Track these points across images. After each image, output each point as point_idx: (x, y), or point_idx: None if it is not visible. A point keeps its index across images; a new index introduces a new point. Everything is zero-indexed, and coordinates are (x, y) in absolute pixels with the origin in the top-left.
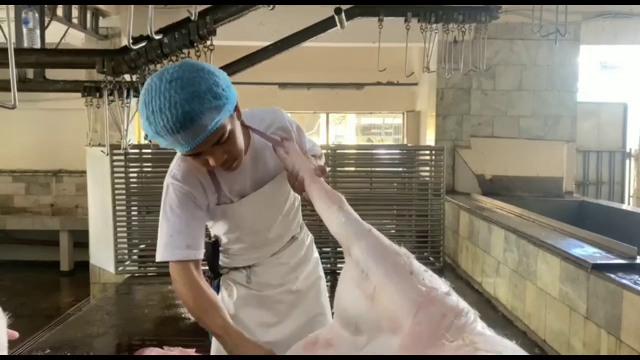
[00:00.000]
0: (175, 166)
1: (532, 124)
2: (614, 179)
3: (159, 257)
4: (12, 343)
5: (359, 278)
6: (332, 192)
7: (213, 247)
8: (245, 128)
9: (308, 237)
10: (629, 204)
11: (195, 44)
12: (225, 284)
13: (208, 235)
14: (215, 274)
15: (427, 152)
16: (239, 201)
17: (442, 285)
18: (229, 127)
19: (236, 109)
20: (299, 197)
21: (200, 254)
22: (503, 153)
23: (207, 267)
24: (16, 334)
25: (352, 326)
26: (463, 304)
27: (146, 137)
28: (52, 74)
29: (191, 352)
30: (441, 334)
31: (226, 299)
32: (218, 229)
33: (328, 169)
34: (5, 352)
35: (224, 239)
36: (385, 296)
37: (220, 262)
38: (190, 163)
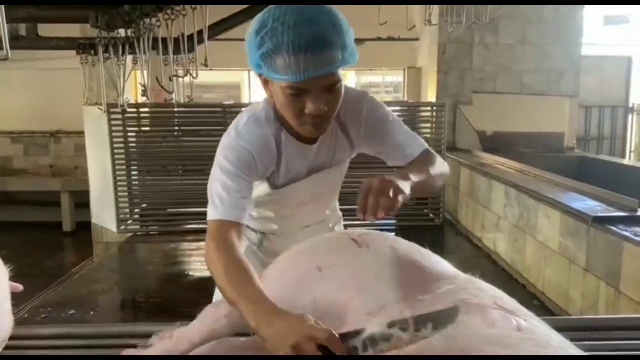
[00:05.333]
0: (245, 126)
1: (535, 79)
2: (615, 134)
3: (209, 217)
4: (19, 299)
5: None
6: None
7: None
8: None
9: (334, 221)
10: (629, 159)
11: None
12: None
13: None
14: None
15: (428, 108)
16: (284, 188)
17: None
18: (342, 80)
19: None
20: (339, 186)
21: (242, 218)
22: (505, 109)
23: None
24: (20, 287)
25: None
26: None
27: (143, 93)
28: (45, 31)
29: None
30: None
31: None
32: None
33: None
34: (8, 304)
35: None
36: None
37: None
38: (260, 131)
